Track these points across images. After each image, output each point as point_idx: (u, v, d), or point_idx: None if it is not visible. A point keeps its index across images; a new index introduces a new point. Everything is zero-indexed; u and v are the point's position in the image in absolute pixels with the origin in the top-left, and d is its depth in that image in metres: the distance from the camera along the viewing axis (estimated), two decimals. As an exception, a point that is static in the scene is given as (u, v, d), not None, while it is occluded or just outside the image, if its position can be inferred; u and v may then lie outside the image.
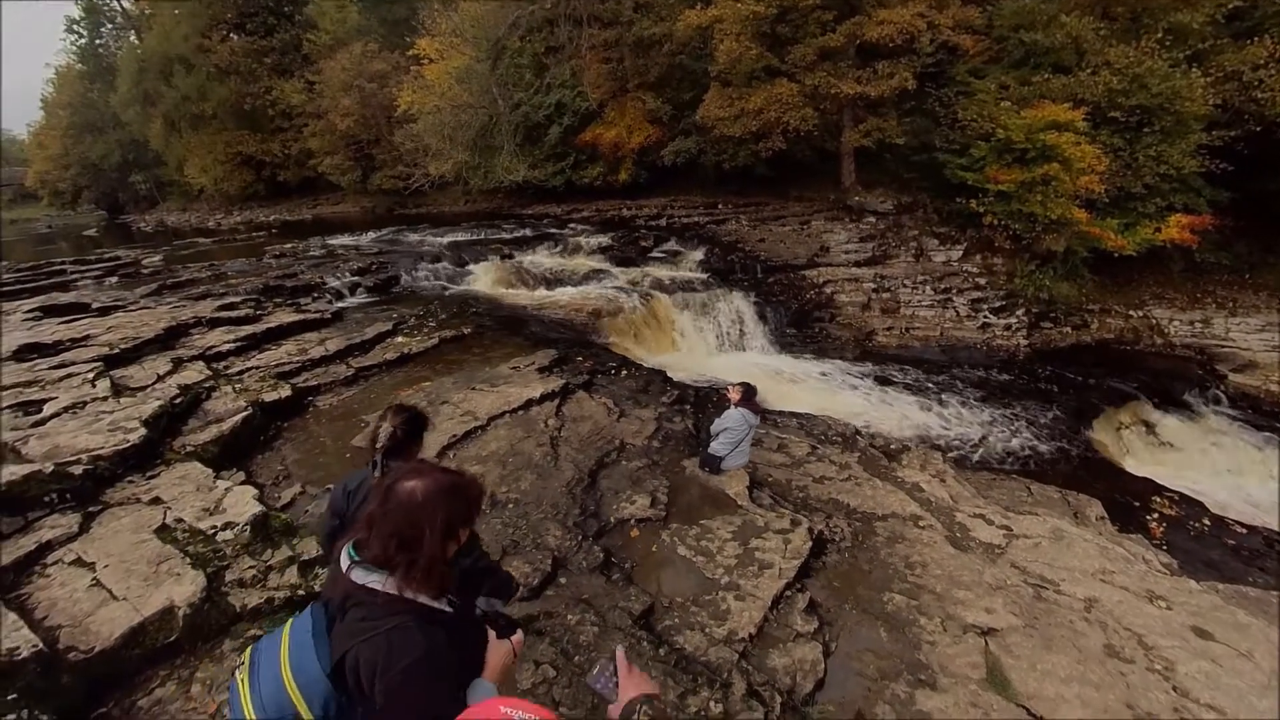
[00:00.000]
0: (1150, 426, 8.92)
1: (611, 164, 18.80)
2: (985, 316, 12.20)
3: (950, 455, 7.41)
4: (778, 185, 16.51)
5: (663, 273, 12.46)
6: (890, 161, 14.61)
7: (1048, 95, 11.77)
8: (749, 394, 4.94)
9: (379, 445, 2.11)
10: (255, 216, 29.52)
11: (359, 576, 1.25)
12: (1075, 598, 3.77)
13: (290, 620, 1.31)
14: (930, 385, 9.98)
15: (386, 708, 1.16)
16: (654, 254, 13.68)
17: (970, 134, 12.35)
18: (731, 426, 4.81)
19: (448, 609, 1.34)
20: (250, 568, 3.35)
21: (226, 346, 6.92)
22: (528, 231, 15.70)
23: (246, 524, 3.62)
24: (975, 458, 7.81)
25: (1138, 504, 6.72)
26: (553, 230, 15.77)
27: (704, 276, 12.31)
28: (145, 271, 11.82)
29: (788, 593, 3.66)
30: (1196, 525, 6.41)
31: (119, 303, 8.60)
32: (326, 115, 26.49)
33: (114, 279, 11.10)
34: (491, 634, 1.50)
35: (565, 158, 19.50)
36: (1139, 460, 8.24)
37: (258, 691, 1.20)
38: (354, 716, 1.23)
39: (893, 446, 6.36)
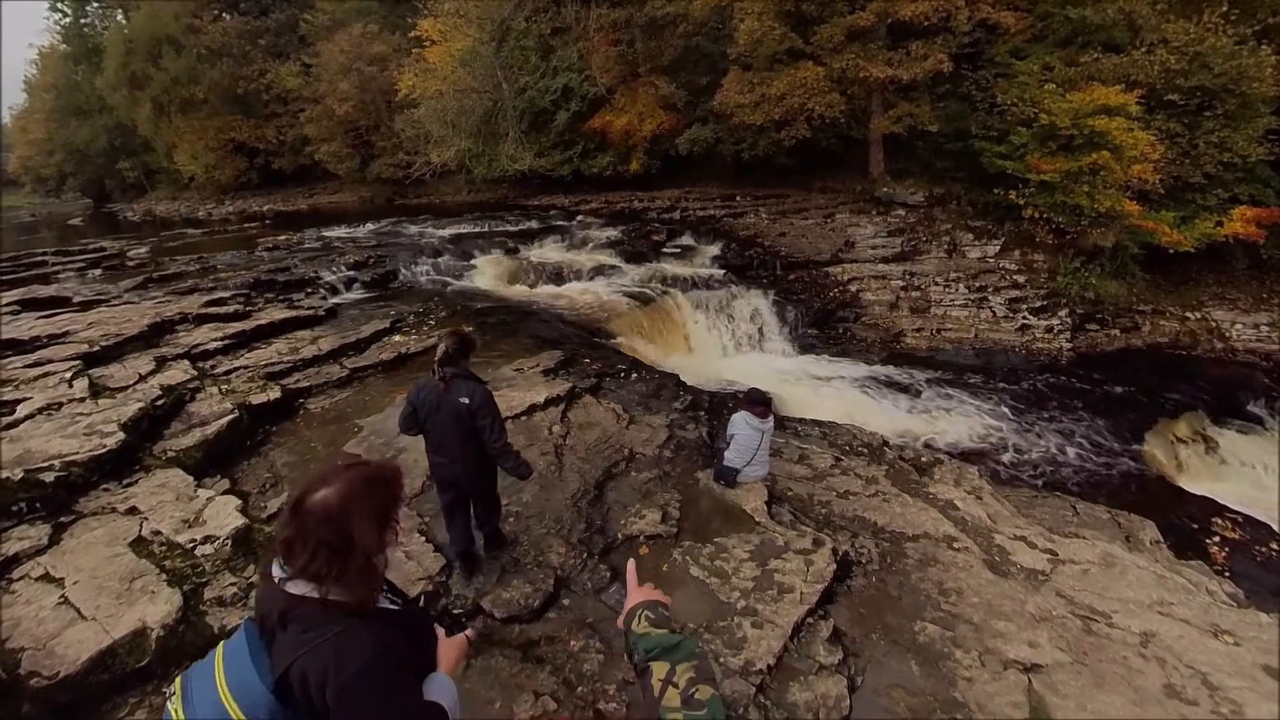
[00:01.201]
0: (1209, 440, 8.68)
1: (622, 153, 18.76)
2: (1024, 317, 12.01)
3: (986, 469, 7.25)
4: (800, 176, 16.39)
5: (676, 269, 12.41)
6: (922, 150, 14.43)
7: (1097, 77, 11.52)
8: (753, 397, 4.82)
9: (437, 358, 3.28)
10: (248, 206, 29.88)
11: (296, 588, 1.26)
12: (1129, 631, 3.62)
13: (220, 644, 1.32)
14: (963, 392, 9.81)
15: (341, 715, 1.18)
16: (667, 249, 13.65)
17: (1010, 119, 12.14)
18: (737, 433, 4.72)
19: (392, 606, 1.39)
20: (231, 585, 3.32)
21: (213, 345, 6.96)
22: (533, 224, 15.77)
23: (228, 537, 3.59)
24: (1014, 472, 7.65)
25: (1196, 526, 6.52)
26: (560, 223, 15.83)
27: (720, 273, 12.24)
28: (130, 264, 11.98)
29: (810, 620, 3.56)
30: (1263, 550, 6.19)
31: (102, 297, 8.70)
32: (324, 100, 26.74)
33: (98, 271, 11.26)
34: (440, 631, 1.58)
35: (573, 146, 19.50)
36: (1196, 477, 8.01)
37: (194, 717, 1.21)
38: None
39: (924, 459, 6.22)
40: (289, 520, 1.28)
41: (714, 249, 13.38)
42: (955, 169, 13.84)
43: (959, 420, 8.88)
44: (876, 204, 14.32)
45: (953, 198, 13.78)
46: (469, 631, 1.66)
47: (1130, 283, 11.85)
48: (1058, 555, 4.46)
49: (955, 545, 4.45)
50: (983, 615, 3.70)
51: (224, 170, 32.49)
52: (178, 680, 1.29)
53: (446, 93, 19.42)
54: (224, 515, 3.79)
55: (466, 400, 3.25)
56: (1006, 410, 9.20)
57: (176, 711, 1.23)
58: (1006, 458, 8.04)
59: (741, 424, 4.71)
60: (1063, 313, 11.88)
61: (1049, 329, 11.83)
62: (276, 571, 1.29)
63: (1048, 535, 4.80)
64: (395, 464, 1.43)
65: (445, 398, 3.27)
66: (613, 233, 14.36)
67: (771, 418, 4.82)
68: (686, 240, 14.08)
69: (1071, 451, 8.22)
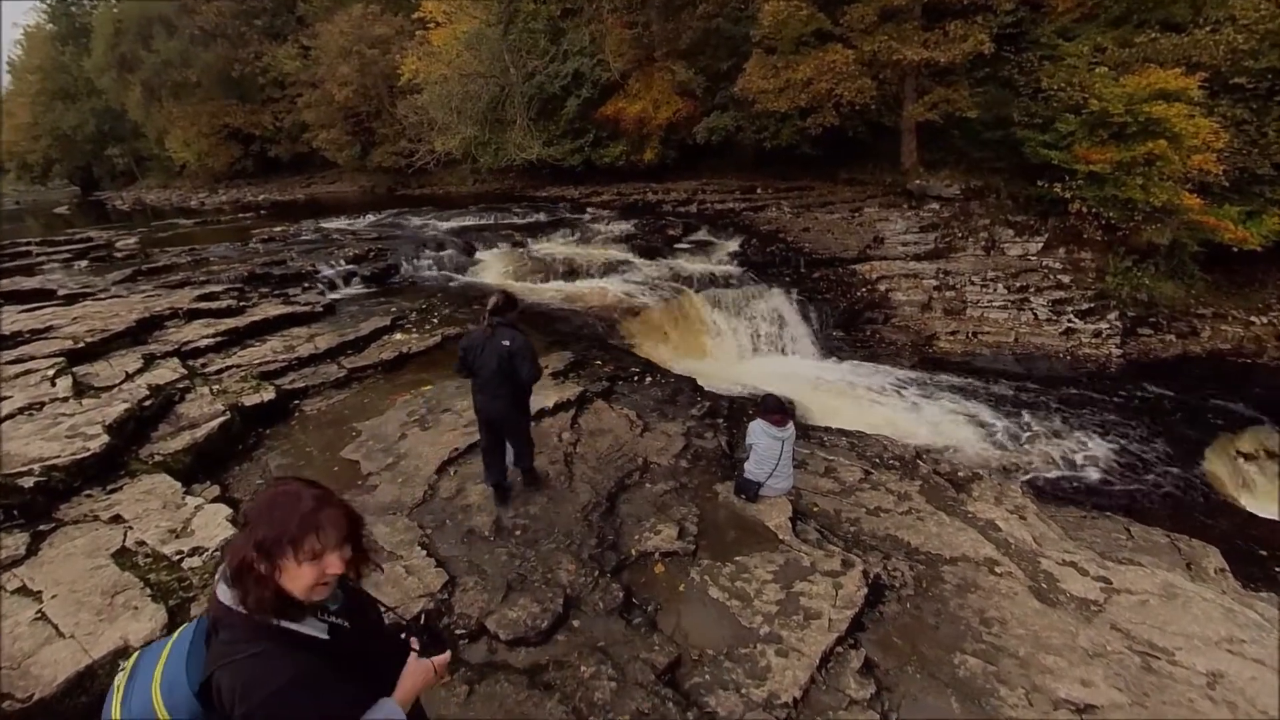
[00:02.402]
0: (1277, 457, 8.44)
1: (636, 142, 18.73)
2: (1070, 320, 11.81)
3: (1030, 486, 7.12)
4: (826, 167, 16.26)
5: (692, 265, 12.38)
6: (959, 139, 14.24)
7: (1154, 59, 11.27)
8: (768, 405, 4.78)
9: (490, 308, 4.17)
10: (243, 196, 30.28)
11: (224, 595, 1.32)
12: (1195, 671, 3.50)
13: (180, 630, 1.39)
14: (1003, 401, 9.67)
15: None
16: (682, 244, 13.62)
17: (1056, 106, 11.92)
18: (756, 443, 4.70)
19: (321, 635, 1.38)
20: (218, 600, 3.31)
21: (205, 342, 7.03)
22: (542, 216, 15.84)
23: (217, 549, 3.58)
24: (1060, 490, 7.49)
25: (1265, 553, 6.31)
26: (570, 215, 15.89)
27: (739, 270, 12.18)
28: (119, 255, 12.15)
29: (839, 649, 3.50)
30: (1339, 581, 5.99)
31: (88, 290, 8.81)
32: (323, 84, 27.00)
33: (84, 262, 11.43)
34: (412, 653, 1.57)
35: (584, 134, 19.52)
36: (1264, 498, 7.81)
37: (129, 702, 1.30)
38: None
39: (961, 474, 6.10)
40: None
41: (733, 244, 13.34)
42: (995, 159, 13.63)
43: (999, 432, 8.72)
44: (908, 197, 14.15)
45: (992, 190, 13.56)
46: (442, 657, 1.59)
47: (1188, 284, 11.61)
48: (1111, 583, 4.33)
49: (997, 569, 4.34)
50: (1029, 648, 3.60)
51: (218, 157, 32.94)
52: (134, 657, 1.38)
53: (451, 77, 19.53)
54: (213, 525, 3.78)
55: (508, 343, 4.08)
56: (1050, 421, 9.04)
57: (119, 688, 1.35)
58: (1052, 473, 7.88)
59: (759, 433, 4.67)
60: (1112, 316, 11.66)
61: (1097, 333, 11.63)
62: (217, 575, 1.37)
63: (1100, 561, 4.67)
64: (332, 493, 1.42)
65: (490, 341, 4.12)
66: (625, 226, 14.36)
67: (791, 425, 4.76)
68: (703, 235, 14.04)
69: (1123, 468, 8.04)
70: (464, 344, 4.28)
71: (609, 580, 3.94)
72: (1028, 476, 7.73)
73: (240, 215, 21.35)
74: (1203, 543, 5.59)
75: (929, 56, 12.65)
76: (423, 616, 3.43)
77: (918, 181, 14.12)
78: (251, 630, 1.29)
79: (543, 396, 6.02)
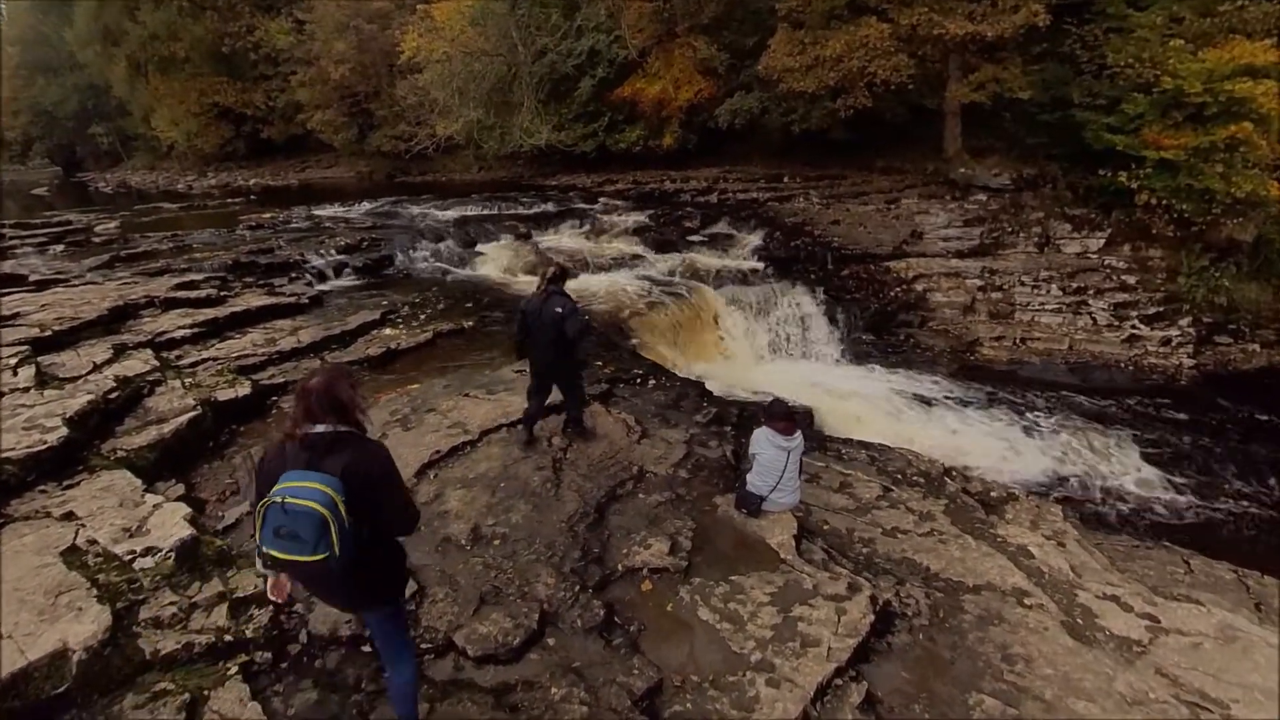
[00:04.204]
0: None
1: (654, 126, 18.83)
2: (1134, 326, 11.62)
3: (1073, 509, 7.00)
4: (859, 153, 16.22)
5: (710, 260, 12.48)
6: (1009, 122, 14.09)
7: (1240, 29, 11.05)
8: (774, 411, 4.76)
9: (547, 277, 5.27)
10: (233, 179, 31.08)
11: (326, 428, 2.38)
12: (1250, 726, 3.43)
13: (270, 497, 2.24)
14: (1051, 415, 9.56)
15: (384, 484, 2.45)
16: (700, 237, 13.75)
17: (1123, 84, 11.75)
18: (759, 453, 4.68)
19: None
20: (170, 604, 3.42)
21: (181, 333, 7.28)
22: (550, 207, 16.11)
23: (171, 550, 3.70)
24: (1110, 515, 7.39)
25: (1347, 592, 6.13)
26: (580, 206, 16.14)
27: (760, 266, 12.26)
28: (97, 240, 12.60)
29: (838, 680, 3.48)
30: None
31: (61, 276, 9.16)
32: (318, 62, 27.54)
33: (60, 247, 11.86)
34: None
35: (598, 118, 19.66)
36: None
37: (308, 495, 2.21)
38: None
39: (994, 494, 6.06)
40: (300, 405, 2.42)
41: (754, 238, 13.41)
42: (1051, 145, 13.47)
43: (1042, 448, 8.63)
44: (951, 187, 14.06)
45: (1047, 180, 13.42)
46: None
47: (1276, 286, 11.36)
48: (1159, 622, 4.26)
49: (1026, 601, 4.30)
50: (1057, 691, 3.55)
51: (207, 138, 33.66)
52: (261, 508, 2.25)
53: (454, 56, 19.76)
54: (169, 525, 3.90)
55: (559, 310, 4.98)
56: (1105, 438, 8.89)
57: (281, 500, 2.20)
58: (1101, 496, 7.78)
59: (763, 442, 4.65)
60: (1184, 321, 11.47)
61: (1166, 341, 11.44)
62: (317, 428, 2.37)
63: (1148, 596, 4.59)
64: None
65: (545, 306, 5.04)
66: (639, 218, 14.53)
67: (799, 435, 4.74)
68: (723, 227, 14.15)
69: (1188, 492, 7.90)
70: (523, 307, 5.33)
71: (590, 596, 3.97)
72: (1074, 499, 7.62)
73: (229, 200, 21.93)
74: (1276, 580, 5.47)
75: (975, 30, 12.52)
76: None
77: (962, 170, 13.99)
78: (357, 437, 2.46)
79: (533, 398, 6.11)
